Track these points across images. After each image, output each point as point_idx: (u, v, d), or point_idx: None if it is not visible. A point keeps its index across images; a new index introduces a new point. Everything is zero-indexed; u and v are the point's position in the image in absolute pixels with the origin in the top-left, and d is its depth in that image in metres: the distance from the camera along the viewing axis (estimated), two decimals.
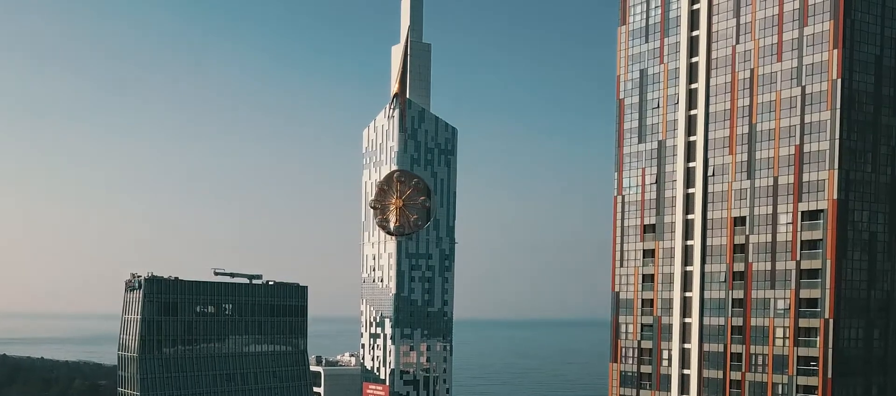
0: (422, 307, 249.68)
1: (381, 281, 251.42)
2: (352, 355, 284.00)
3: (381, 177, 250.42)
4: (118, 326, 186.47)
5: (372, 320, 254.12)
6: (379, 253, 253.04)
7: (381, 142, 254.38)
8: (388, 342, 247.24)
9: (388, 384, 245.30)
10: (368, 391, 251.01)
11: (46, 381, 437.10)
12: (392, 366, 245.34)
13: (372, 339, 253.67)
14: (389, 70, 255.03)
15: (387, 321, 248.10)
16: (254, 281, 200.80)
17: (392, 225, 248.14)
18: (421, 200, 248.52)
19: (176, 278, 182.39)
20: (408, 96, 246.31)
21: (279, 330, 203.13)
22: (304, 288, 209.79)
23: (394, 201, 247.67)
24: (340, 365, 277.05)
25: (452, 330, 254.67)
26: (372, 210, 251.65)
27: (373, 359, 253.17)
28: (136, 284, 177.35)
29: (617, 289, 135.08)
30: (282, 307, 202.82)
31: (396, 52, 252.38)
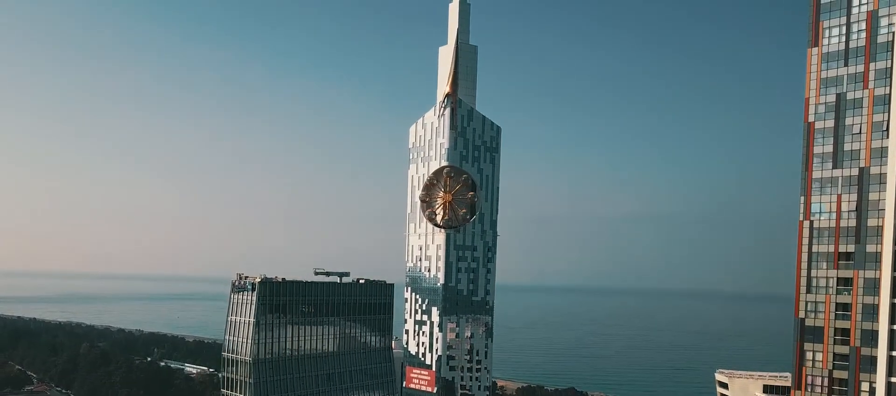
0: (466, 296, 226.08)
1: (428, 270, 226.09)
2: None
3: (430, 172, 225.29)
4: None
5: (418, 308, 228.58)
6: (426, 244, 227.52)
7: (429, 139, 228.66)
8: (435, 329, 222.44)
9: (434, 369, 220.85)
10: (413, 374, 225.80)
11: (52, 346, 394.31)
12: (439, 353, 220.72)
13: (417, 326, 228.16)
14: (435, 70, 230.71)
15: (434, 309, 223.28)
16: (343, 280, 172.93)
17: (439, 219, 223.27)
18: (469, 195, 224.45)
19: (283, 279, 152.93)
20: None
21: (369, 327, 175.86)
22: (391, 286, 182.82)
23: (442, 195, 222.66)
24: None
25: (494, 318, 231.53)
26: (420, 203, 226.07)
27: (418, 345, 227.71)
28: (249, 286, 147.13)
29: (802, 316, 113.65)
30: (371, 305, 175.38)
31: (444, 54, 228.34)
